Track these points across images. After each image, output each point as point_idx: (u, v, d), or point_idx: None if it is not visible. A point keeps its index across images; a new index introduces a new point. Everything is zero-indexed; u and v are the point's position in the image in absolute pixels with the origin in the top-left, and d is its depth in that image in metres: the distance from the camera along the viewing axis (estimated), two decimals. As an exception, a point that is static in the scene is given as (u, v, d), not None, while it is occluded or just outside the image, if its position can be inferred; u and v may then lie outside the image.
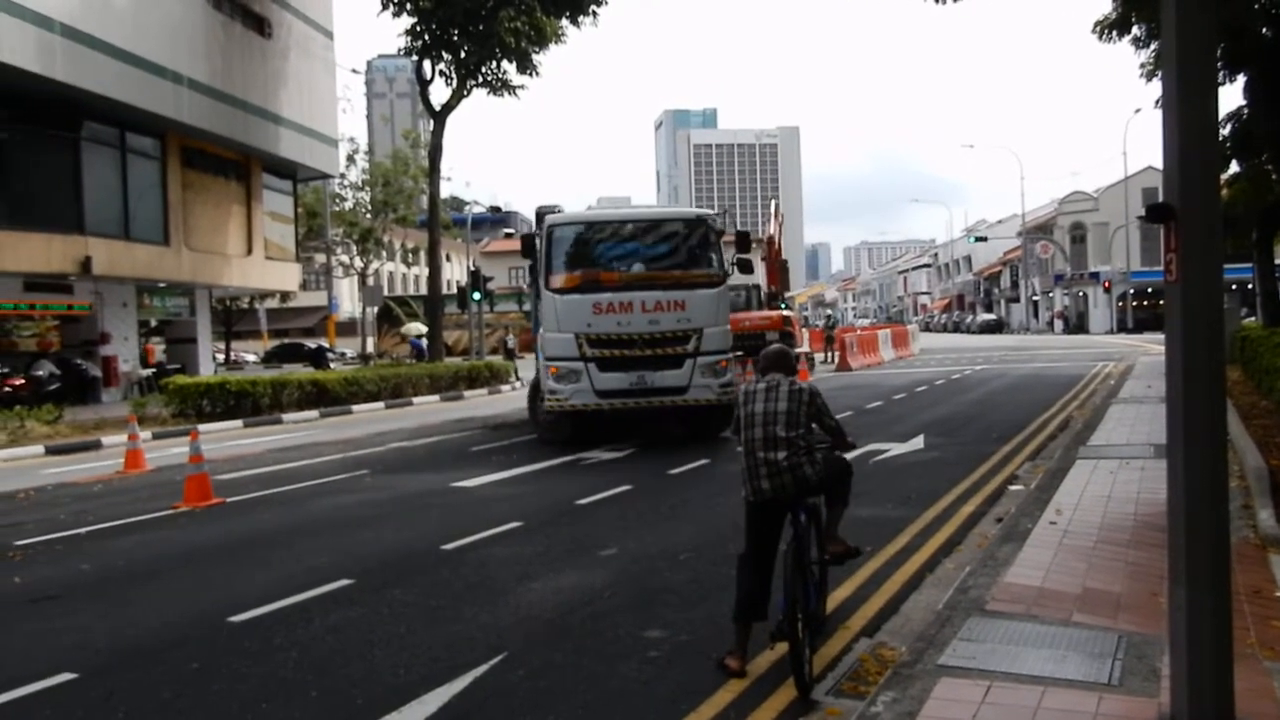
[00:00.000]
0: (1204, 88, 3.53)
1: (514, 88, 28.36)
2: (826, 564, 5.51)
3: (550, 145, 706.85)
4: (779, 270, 36.61)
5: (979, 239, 75.54)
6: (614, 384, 13.44)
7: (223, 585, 7.07)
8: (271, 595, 6.55)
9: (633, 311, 13.40)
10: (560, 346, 13.60)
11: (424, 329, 34.16)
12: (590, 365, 13.45)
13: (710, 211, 14.28)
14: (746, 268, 14.70)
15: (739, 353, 28.59)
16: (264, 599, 6.47)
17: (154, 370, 27.42)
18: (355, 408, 22.14)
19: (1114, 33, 16.95)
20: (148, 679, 5.18)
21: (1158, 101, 15.85)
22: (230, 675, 5.18)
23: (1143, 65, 18.34)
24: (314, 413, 21.03)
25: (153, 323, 30.58)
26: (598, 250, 14.15)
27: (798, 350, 30.91)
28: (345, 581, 6.89)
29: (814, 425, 5.17)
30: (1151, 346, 36.63)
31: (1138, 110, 59.61)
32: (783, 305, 34.05)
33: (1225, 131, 19.15)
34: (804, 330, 37.17)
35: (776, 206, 36.76)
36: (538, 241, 14.03)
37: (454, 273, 68.18)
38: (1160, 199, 3.54)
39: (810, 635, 4.82)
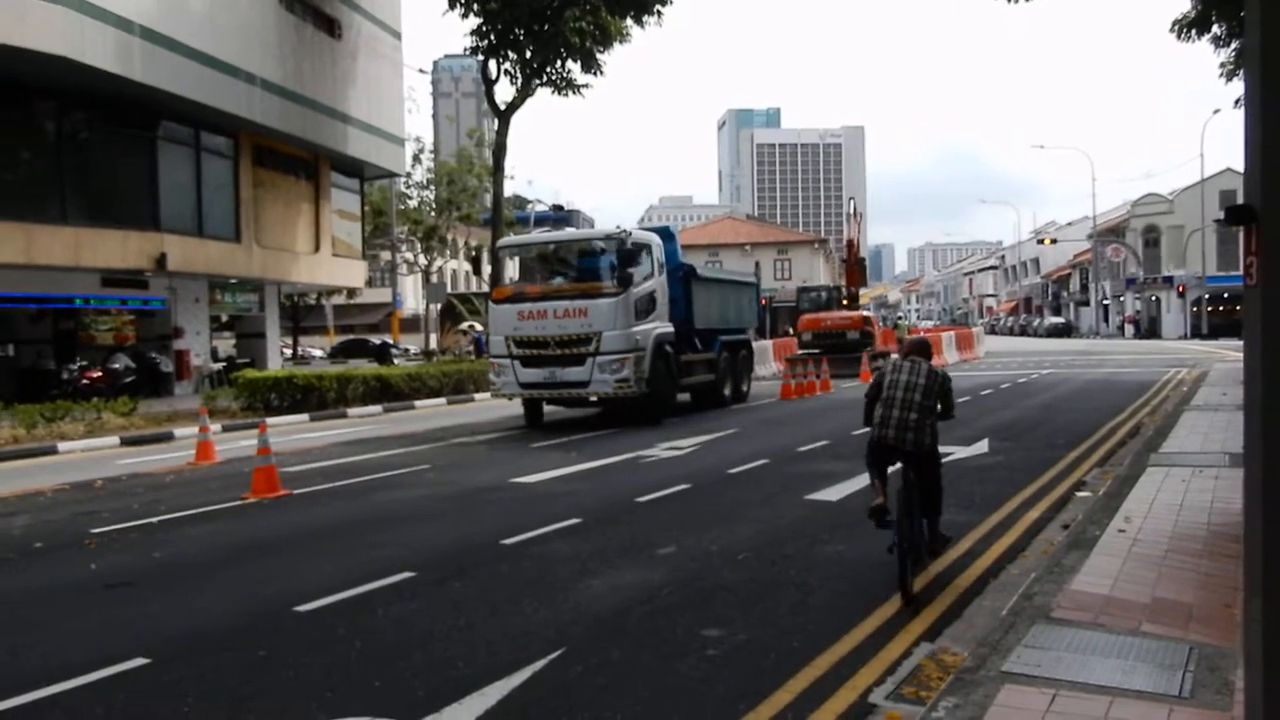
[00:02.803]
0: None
1: (578, 87, 28.51)
2: (926, 550, 6.76)
3: (613, 144, 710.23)
4: (858, 270, 36.52)
5: (1042, 240, 74.12)
6: (532, 378, 16.37)
7: (288, 575, 7.21)
8: (335, 586, 6.67)
9: (547, 318, 16.17)
10: (497, 346, 16.76)
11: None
12: (516, 362, 16.43)
13: (620, 231, 16.77)
14: (626, 280, 16.29)
15: (816, 350, 28.93)
16: (328, 589, 6.59)
17: (225, 364, 28.08)
18: (418, 403, 22.43)
19: (1193, 31, 16.54)
20: (216, 666, 5.31)
21: (1237, 101, 15.50)
22: (295, 664, 5.28)
23: (1223, 65, 17.87)
24: (377, 408, 21.33)
25: (223, 318, 31.31)
26: (529, 266, 17.48)
27: (876, 351, 30.78)
28: (407, 574, 6.98)
29: (939, 403, 6.64)
30: (1227, 353, 35.63)
31: (1216, 111, 57.88)
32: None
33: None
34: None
35: (855, 207, 36.61)
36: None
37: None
38: (1239, 200, 3.44)
39: (911, 562, 6.19)
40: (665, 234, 19.09)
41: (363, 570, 7.10)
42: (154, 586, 7.07)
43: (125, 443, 16.55)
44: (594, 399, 16.87)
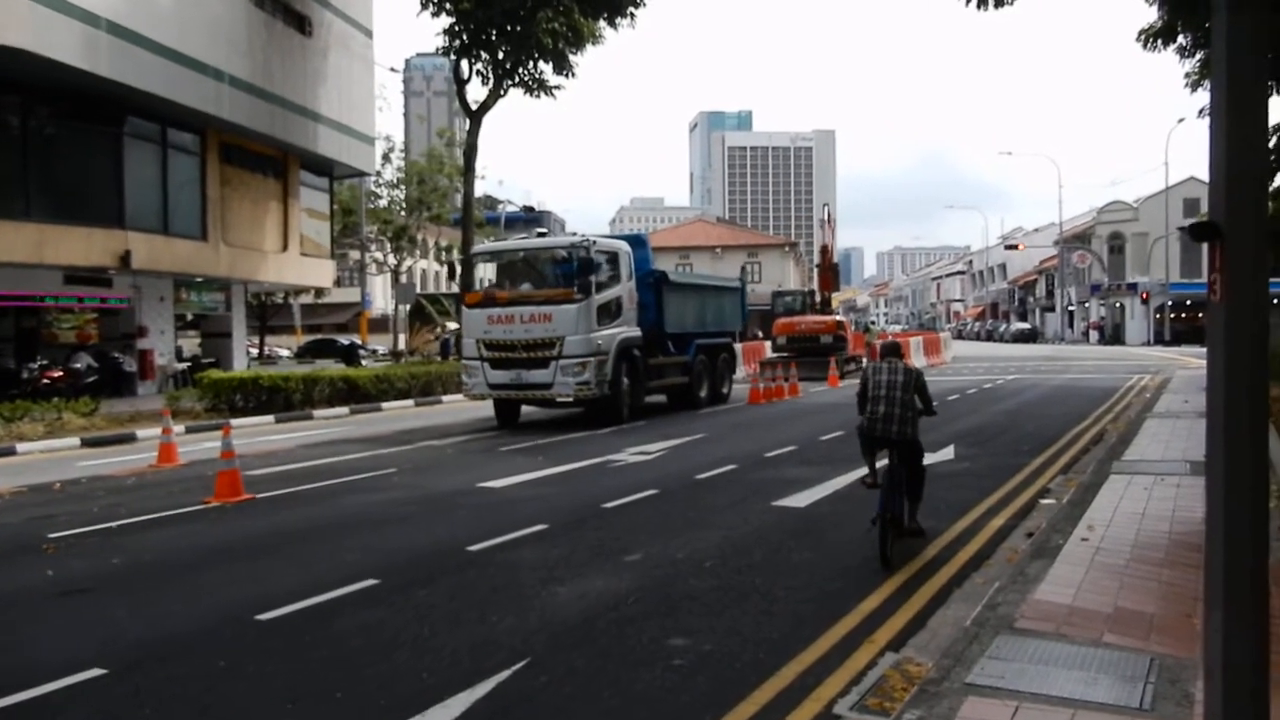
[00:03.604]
0: (1254, 102, 3.45)
1: (550, 88, 28.42)
2: (906, 529, 7.68)
3: (585, 145, 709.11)
4: (831, 275, 36.75)
5: (1013, 247, 74.84)
6: (500, 379, 17.08)
7: (251, 582, 7.12)
8: (299, 593, 6.58)
9: (514, 322, 16.89)
10: (469, 348, 17.49)
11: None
12: (485, 364, 17.15)
13: (585, 240, 17.40)
14: (589, 287, 16.83)
15: (790, 354, 29.11)
16: (292, 597, 6.50)
17: (189, 364, 27.74)
18: (385, 405, 22.28)
19: (1159, 41, 16.68)
20: (176, 676, 5.22)
21: (1201, 111, 15.59)
22: (257, 674, 5.21)
23: (1187, 75, 18.05)
24: (344, 409, 21.17)
25: (189, 317, 30.93)
26: (499, 273, 18.05)
27: (849, 355, 30.97)
28: (372, 581, 6.91)
29: (917, 398, 7.56)
30: (1189, 359, 36.13)
31: (1181, 120, 58.75)
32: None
33: (1272, 143, 18.79)
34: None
35: (829, 213, 36.82)
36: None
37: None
38: (1202, 210, 3.48)
39: (892, 535, 7.25)
40: (636, 241, 19.63)
41: (327, 577, 7.02)
42: (113, 593, 6.95)
43: (86, 444, 16.30)
44: (558, 400, 17.42)
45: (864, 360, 31.55)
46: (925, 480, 7.97)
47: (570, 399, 17.24)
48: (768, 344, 33.42)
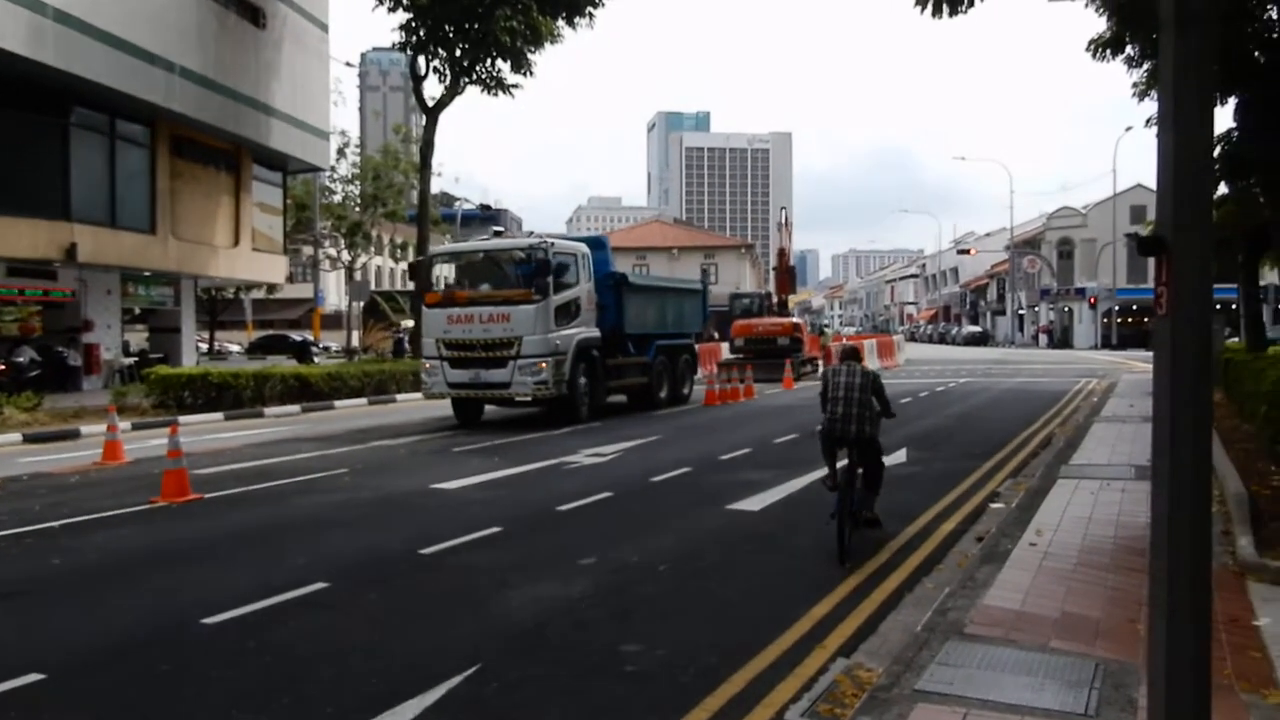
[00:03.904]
0: (1200, 118, 3.51)
1: (508, 86, 28.31)
2: (862, 519, 7.99)
3: (543, 144, 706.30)
4: (788, 277, 37.00)
5: (965, 251, 75.82)
6: (459, 378, 17.27)
7: (197, 585, 6.99)
8: (246, 597, 6.47)
9: (473, 322, 17.11)
10: (429, 348, 17.68)
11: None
12: (444, 363, 17.34)
13: (543, 242, 17.53)
14: (546, 289, 17.00)
15: (748, 355, 29.31)
16: (238, 600, 6.39)
17: (137, 359, 27.22)
18: (338, 403, 22.04)
19: (1108, 51, 16.97)
20: (116, 682, 5.10)
21: (1149, 121, 15.78)
22: (201, 679, 5.11)
23: (1135, 84, 18.39)
24: (296, 407, 20.91)
25: (136, 311, 30.35)
26: (458, 273, 18.23)
27: (805, 357, 31.18)
28: (321, 584, 6.81)
29: (874, 398, 7.87)
30: (1135, 363, 36.83)
31: (1129, 129, 59.92)
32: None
33: (1216, 153, 19.22)
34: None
35: (786, 217, 37.06)
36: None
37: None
38: (1148, 217, 3.53)
39: (850, 529, 7.50)
40: (596, 243, 19.80)
41: (275, 580, 6.91)
42: (53, 596, 6.79)
43: (28, 440, 15.93)
44: (517, 399, 17.64)
45: (819, 362, 31.87)
46: (883, 475, 8.30)
47: (529, 398, 17.42)
48: (724, 345, 33.54)
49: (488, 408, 18.98)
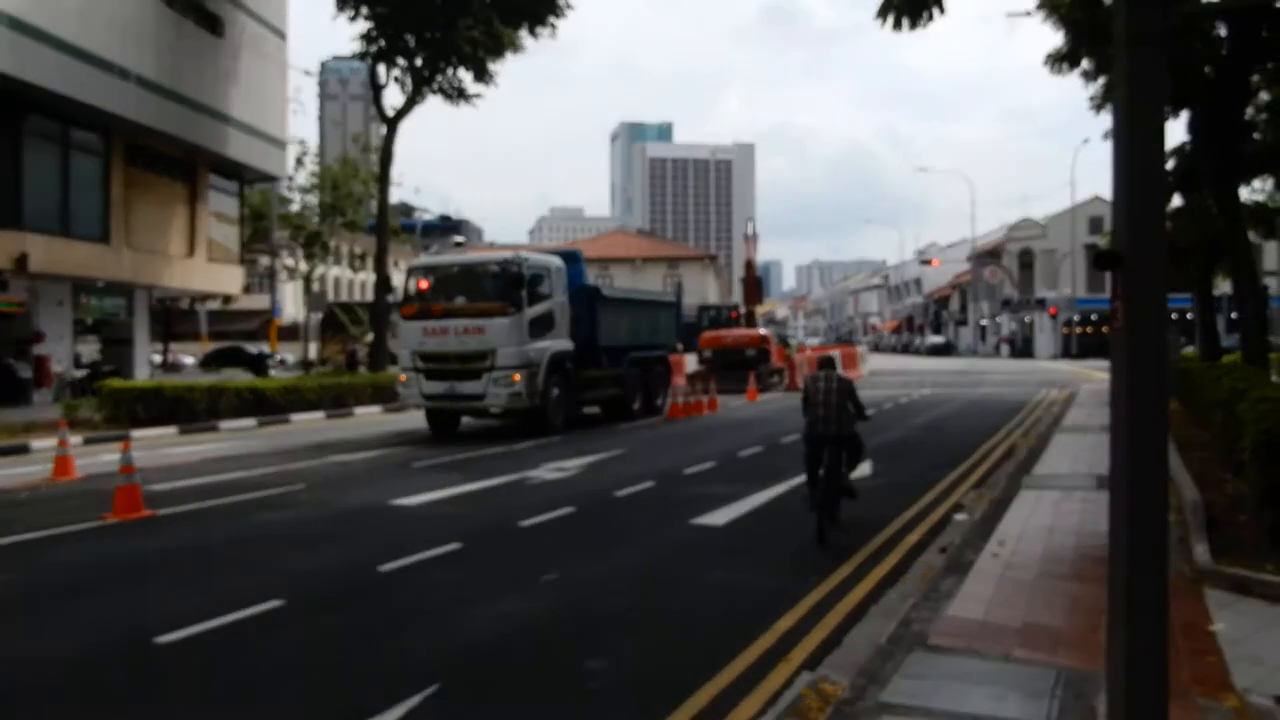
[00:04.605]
0: (1151, 136, 3.59)
1: (469, 96, 28.24)
2: (842, 488, 8.88)
3: (505, 154, 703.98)
4: (756, 289, 37.26)
5: (926, 262, 76.67)
6: (434, 390, 17.57)
7: (150, 603, 6.88)
8: (199, 616, 6.37)
9: (448, 335, 17.38)
10: (406, 360, 17.94)
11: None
12: (420, 375, 17.63)
13: (517, 257, 17.93)
14: (520, 302, 17.22)
15: (716, 366, 29.43)
16: (191, 619, 6.29)
17: (89, 372, 26.77)
18: (294, 417, 21.81)
19: (1065, 65, 17.28)
20: (69, 702, 5.01)
21: (1106, 134, 16.08)
22: (155, 700, 5.03)
23: (1092, 98, 18.74)
24: (251, 421, 20.67)
25: (89, 322, 29.85)
26: (435, 286, 18.20)
27: (772, 368, 31.34)
28: (276, 603, 6.73)
29: (849, 401, 8.82)
30: (1094, 373, 37.36)
31: (1086, 141, 61.37)
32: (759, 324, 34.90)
33: (1169, 166, 19.64)
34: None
35: (753, 229, 37.28)
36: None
37: (402, 280, 67.67)
38: (1105, 228, 3.60)
39: (828, 518, 8.64)
40: (570, 257, 20.11)
41: (230, 599, 6.81)
42: (2, 615, 6.65)
43: (-26, 457, 15.60)
44: (491, 410, 17.95)
45: (785, 374, 32.06)
46: (862, 455, 9.32)
47: (502, 410, 17.69)
48: (688, 358, 33.61)
49: (464, 418, 19.21)
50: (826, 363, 9.29)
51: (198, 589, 7.26)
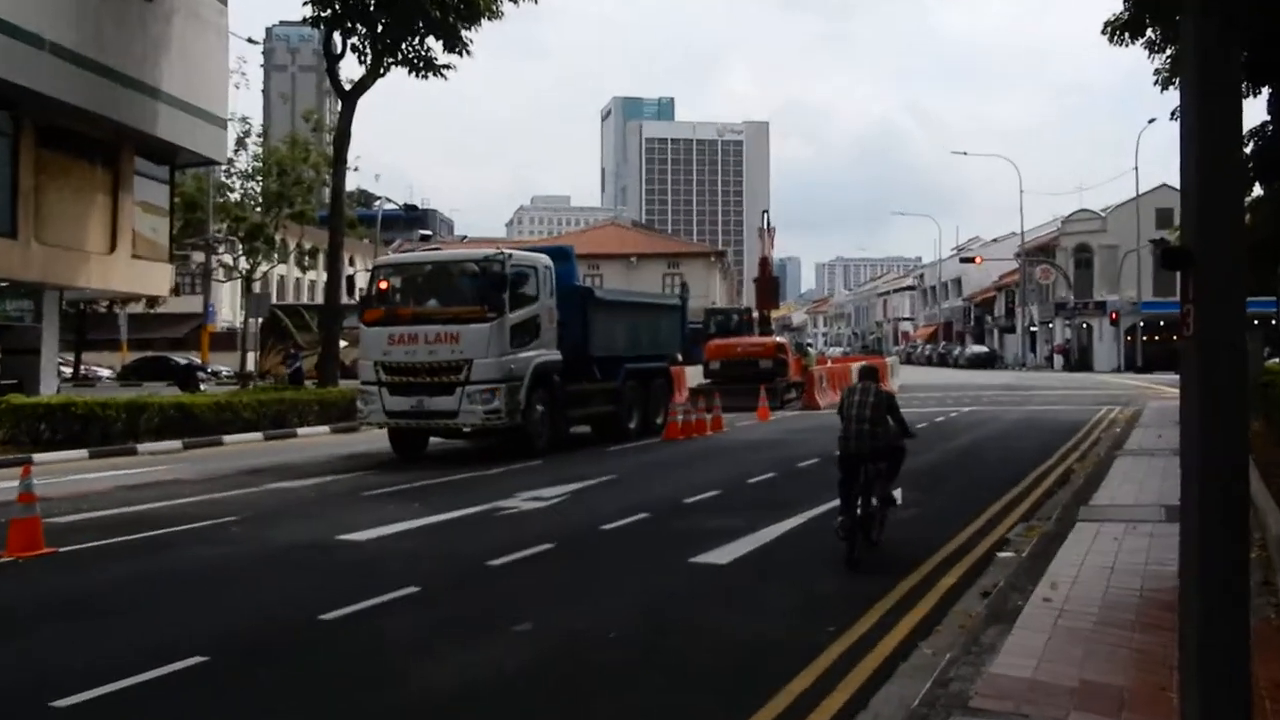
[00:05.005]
0: (1227, 113, 3.52)
1: (440, 68, 28.25)
2: (883, 502, 9.59)
3: (480, 135, 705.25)
4: (771, 290, 37.23)
5: (970, 260, 76.80)
6: (399, 406, 17.59)
7: (47, 659, 6.78)
8: (106, 673, 6.26)
9: (417, 343, 17.41)
10: (367, 371, 17.99)
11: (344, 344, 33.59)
12: (383, 389, 17.66)
13: (499, 253, 18.08)
14: (501, 305, 17.45)
15: (725, 380, 29.52)
16: (96, 678, 6.17)
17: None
18: (228, 438, 21.80)
19: (1126, 34, 17.27)
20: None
21: (1174, 113, 16.10)
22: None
23: (1157, 71, 18.72)
24: (177, 443, 20.67)
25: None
26: (403, 288, 18.51)
27: (789, 382, 31.32)
28: (199, 658, 6.63)
29: (889, 417, 9.33)
30: (1163, 388, 37.41)
31: (1151, 120, 60.88)
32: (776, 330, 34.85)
33: (1247, 150, 19.59)
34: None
35: (768, 222, 37.29)
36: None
37: (359, 280, 67.77)
38: (1175, 221, 3.53)
39: (863, 536, 9.19)
40: (559, 254, 20.36)
41: (143, 653, 6.71)
42: None
43: None
44: (465, 430, 18.22)
45: (802, 389, 32.05)
46: (901, 466, 9.91)
47: (478, 429, 17.87)
48: (690, 370, 33.55)
49: (433, 439, 19.31)
50: (867, 373, 9.74)
51: (105, 642, 7.18)
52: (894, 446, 9.47)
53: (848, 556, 8.86)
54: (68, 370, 41.17)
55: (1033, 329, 76.48)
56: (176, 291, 42.73)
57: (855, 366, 9.96)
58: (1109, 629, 6.94)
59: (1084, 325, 68.34)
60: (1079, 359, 66.84)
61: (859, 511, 9.08)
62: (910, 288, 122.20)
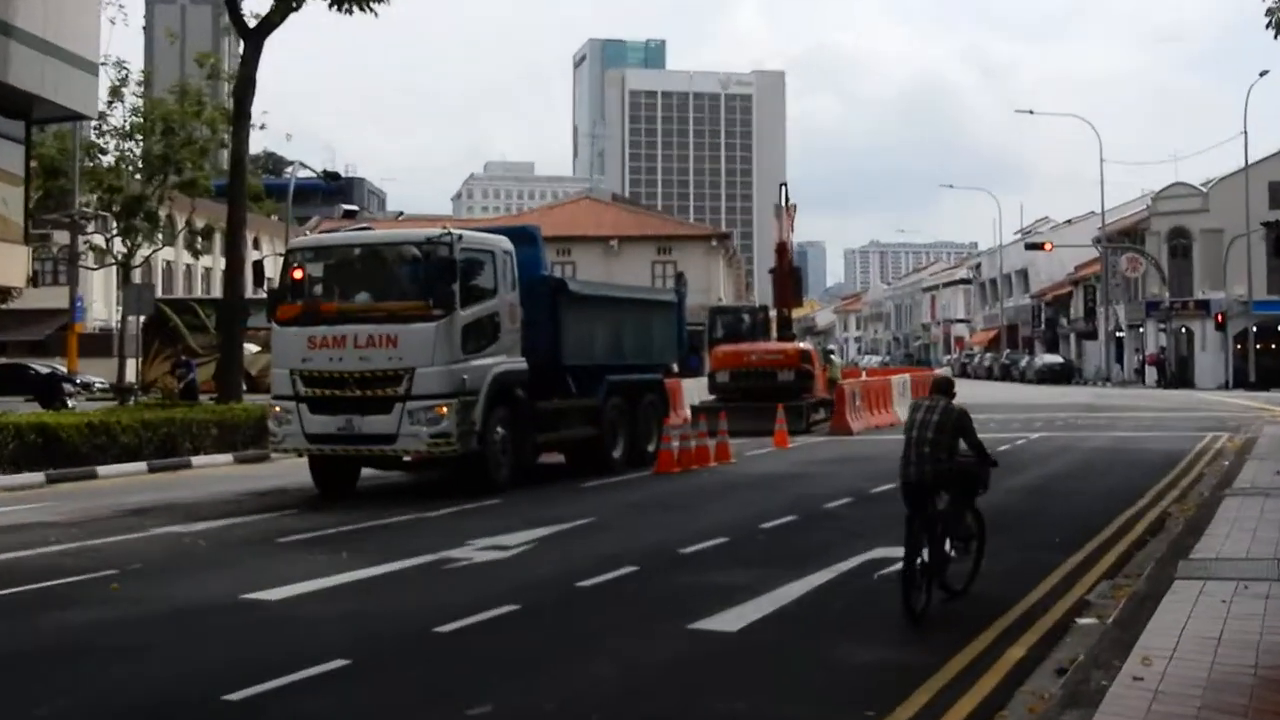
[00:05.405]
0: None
1: (369, 2, 28.27)
2: (961, 534, 10.10)
3: (421, 87, 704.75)
4: (792, 284, 37.01)
5: (1040, 246, 76.94)
6: (322, 428, 17.52)
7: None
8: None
9: (345, 347, 17.38)
10: (281, 383, 18.00)
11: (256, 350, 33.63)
12: (302, 406, 17.59)
13: (446, 234, 17.77)
14: (452, 299, 17.27)
15: (736, 396, 29.58)
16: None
17: None
18: (103, 469, 21.76)
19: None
20: None
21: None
22: None
23: (1270, 11, 18.84)
24: (38, 475, 20.70)
25: None
26: (326, 277, 18.69)
27: (815, 400, 31.34)
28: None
29: (959, 440, 9.73)
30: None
31: (1264, 73, 61.26)
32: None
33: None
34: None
35: (787, 196, 37.12)
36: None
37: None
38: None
39: (927, 583, 9.45)
40: (522, 236, 20.37)
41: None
42: None
43: None
44: (406, 458, 18.13)
45: (830, 407, 32.07)
46: (978, 530, 10.29)
47: (423, 457, 17.88)
48: (689, 383, 33.56)
49: (366, 470, 19.26)
50: (940, 387, 10.43)
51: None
52: (965, 472, 9.85)
53: (905, 608, 9.16)
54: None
55: (1118, 334, 76.72)
56: (35, 282, 42.46)
57: (933, 378, 10.58)
58: (1217, 715, 7.00)
59: (1182, 330, 68.44)
60: (1176, 372, 66.78)
61: (924, 554, 9.31)
62: (964, 281, 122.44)
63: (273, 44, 29.00)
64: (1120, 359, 76.20)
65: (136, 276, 45.79)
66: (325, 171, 54.18)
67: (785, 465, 22.81)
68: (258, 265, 24.92)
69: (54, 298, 52.10)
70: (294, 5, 28.17)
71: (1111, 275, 74.08)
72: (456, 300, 17.32)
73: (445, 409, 17.04)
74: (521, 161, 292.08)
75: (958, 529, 10.05)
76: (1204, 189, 69.31)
